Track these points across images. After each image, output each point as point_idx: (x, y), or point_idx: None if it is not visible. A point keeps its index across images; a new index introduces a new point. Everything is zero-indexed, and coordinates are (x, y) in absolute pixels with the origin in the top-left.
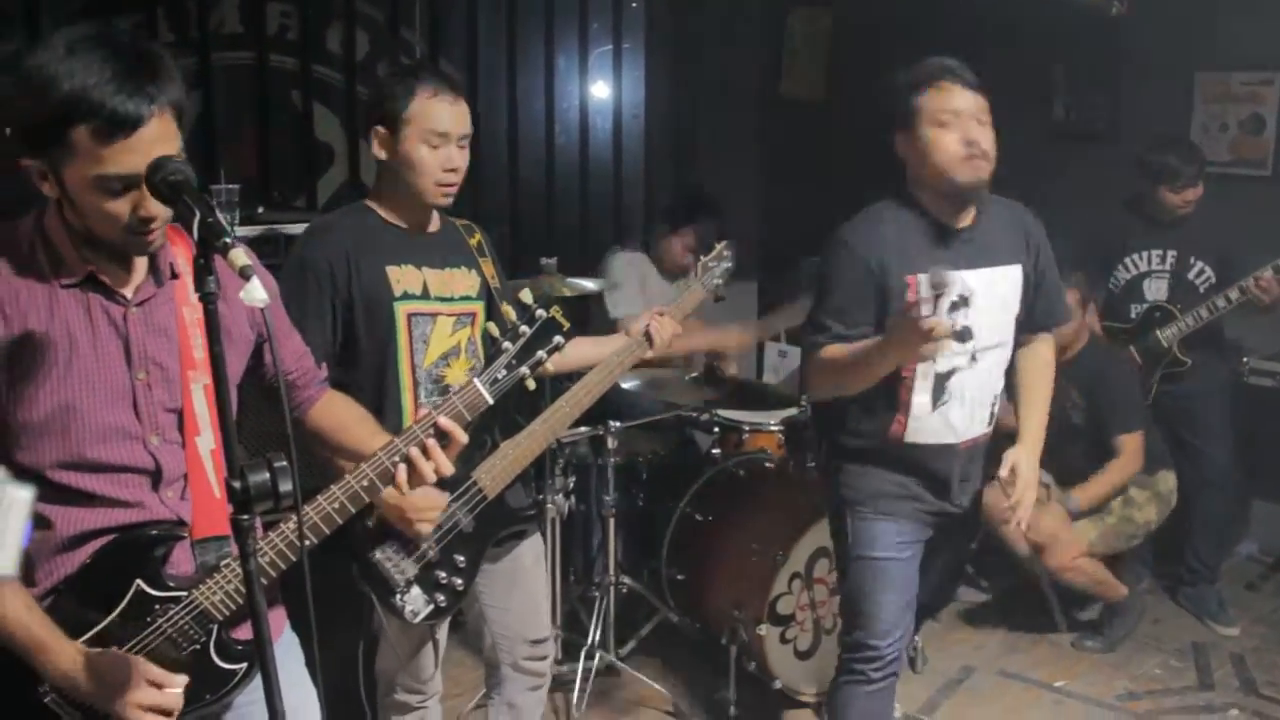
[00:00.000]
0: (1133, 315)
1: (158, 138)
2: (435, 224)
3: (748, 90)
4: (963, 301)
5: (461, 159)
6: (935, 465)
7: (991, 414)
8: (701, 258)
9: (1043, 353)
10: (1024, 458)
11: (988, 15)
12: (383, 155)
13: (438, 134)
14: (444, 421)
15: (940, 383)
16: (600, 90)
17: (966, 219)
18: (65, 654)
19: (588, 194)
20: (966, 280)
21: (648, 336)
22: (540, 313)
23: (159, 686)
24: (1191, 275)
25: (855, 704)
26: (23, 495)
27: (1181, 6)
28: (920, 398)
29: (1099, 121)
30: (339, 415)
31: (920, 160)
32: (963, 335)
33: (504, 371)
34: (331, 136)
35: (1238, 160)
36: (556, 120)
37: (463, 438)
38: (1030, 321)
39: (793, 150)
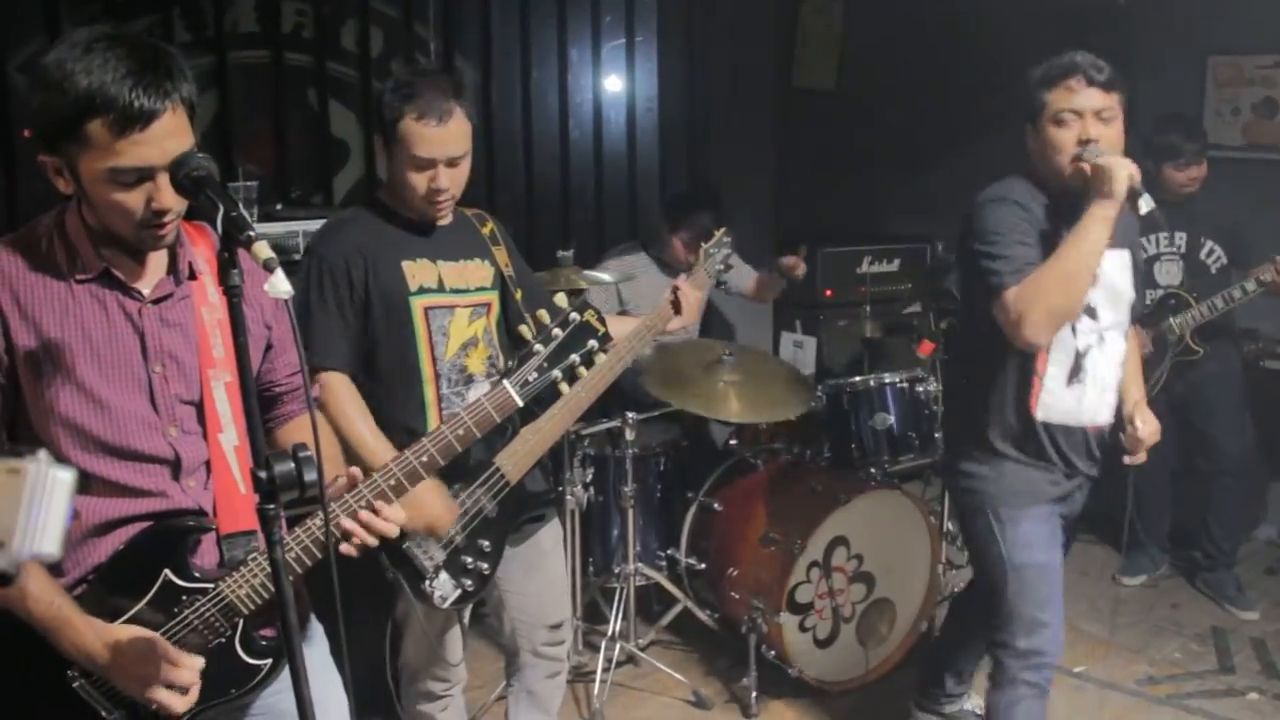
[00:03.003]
0: (1147, 301)
1: (171, 131)
2: (448, 216)
3: (761, 82)
4: (1093, 278)
5: (450, 178)
6: (1065, 446)
7: (1114, 403)
8: (703, 245)
9: (1134, 336)
10: (1142, 407)
11: (999, 5)
12: (380, 165)
13: (423, 159)
14: (368, 516)
15: (1078, 360)
16: (614, 83)
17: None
18: (87, 631)
19: (602, 187)
20: None
21: (675, 305)
22: (574, 316)
23: (175, 665)
24: (1203, 255)
25: (1034, 717)
26: (65, 477)
27: None
28: (1055, 370)
29: None
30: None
31: (1040, 156)
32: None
33: (535, 374)
34: (347, 133)
35: (1251, 144)
36: (570, 114)
37: (398, 517)
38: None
39: (806, 141)
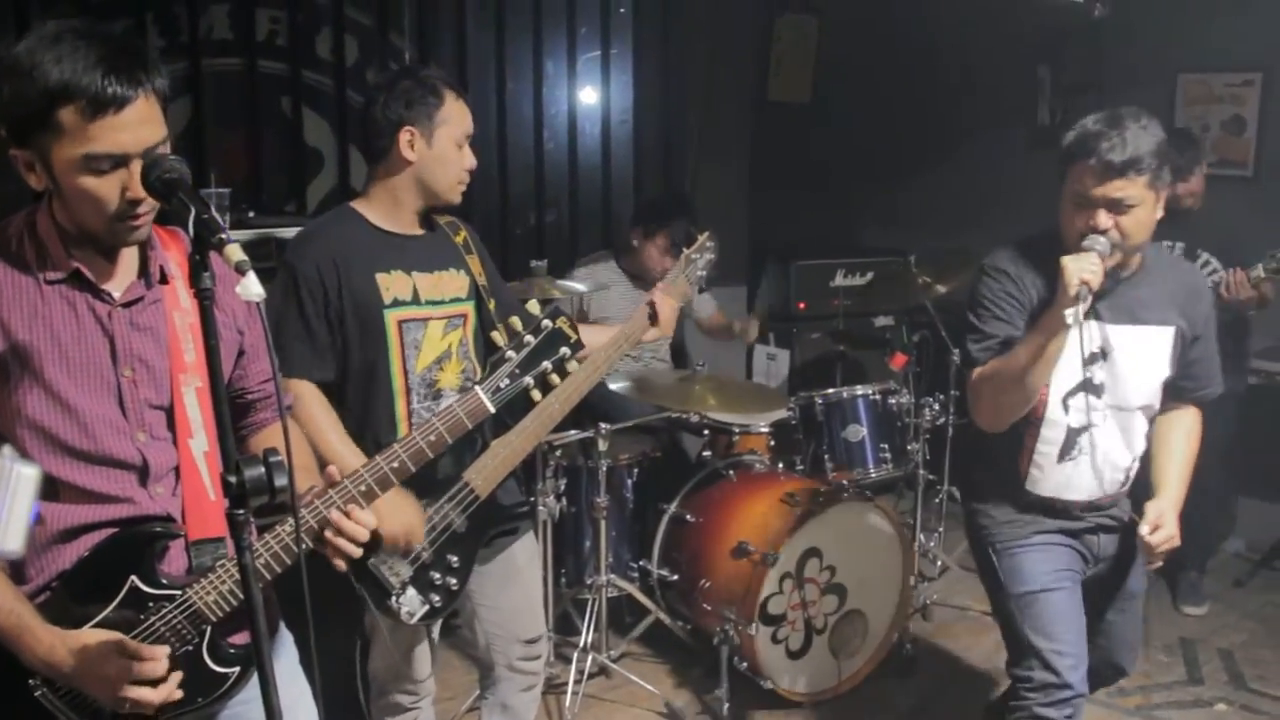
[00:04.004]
0: None
1: (144, 118)
2: (421, 226)
3: (736, 95)
4: (1101, 355)
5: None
6: (1055, 511)
7: (1126, 479)
8: (684, 250)
9: (1186, 420)
10: (1167, 511)
11: (973, 20)
12: (411, 156)
13: (466, 135)
14: (338, 516)
15: (1071, 437)
16: (588, 95)
17: (1122, 273)
18: (47, 637)
19: (577, 198)
20: (1107, 335)
21: (653, 315)
22: (546, 323)
23: (142, 659)
24: (1198, 265)
25: None
26: (29, 473)
27: (1164, 10)
28: (1045, 447)
29: None
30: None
31: (1061, 226)
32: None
33: (507, 380)
34: (321, 142)
35: (1220, 161)
36: (545, 125)
37: (368, 521)
38: (1177, 391)
39: (781, 154)
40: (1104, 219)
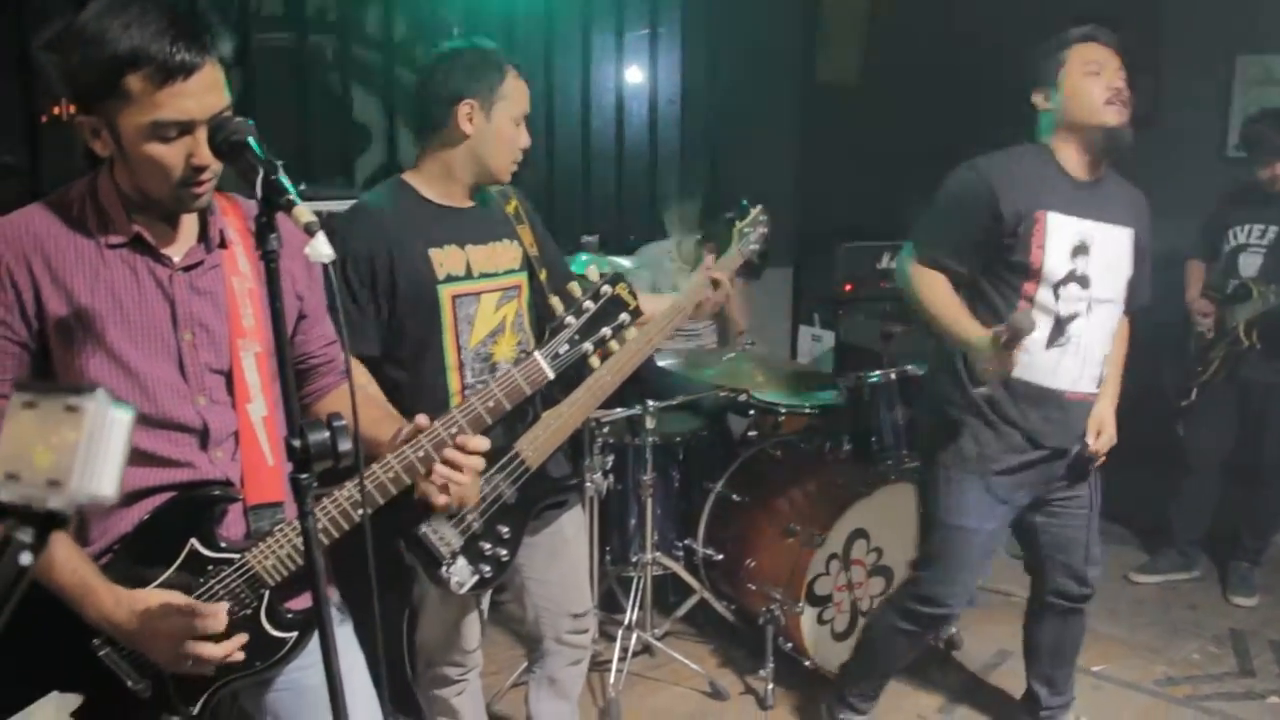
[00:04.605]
0: (1228, 290)
1: (210, 85)
2: (471, 198)
3: (783, 76)
4: (1082, 249)
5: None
6: (1038, 408)
7: (1100, 375)
8: (738, 223)
9: (1125, 329)
10: (1107, 416)
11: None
12: (469, 129)
13: (524, 114)
14: (457, 440)
15: (1060, 325)
16: (635, 75)
17: (1094, 174)
18: (110, 598)
19: (623, 177)
20: (1087, 230)
21: (714, 282)
22: (605, 289)
23: (201, 616)
24: None
25: (899, 642)
26: (124, 417)
27: None
28: (1037, 334)
29: (1142, 105)
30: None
31: (1067, 109)
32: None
33: (566, 346)
34: (369, 118)
35: None
36: (592, 104)
37: (483, 444)
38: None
39: (829, 136)
40: (1120, 79)
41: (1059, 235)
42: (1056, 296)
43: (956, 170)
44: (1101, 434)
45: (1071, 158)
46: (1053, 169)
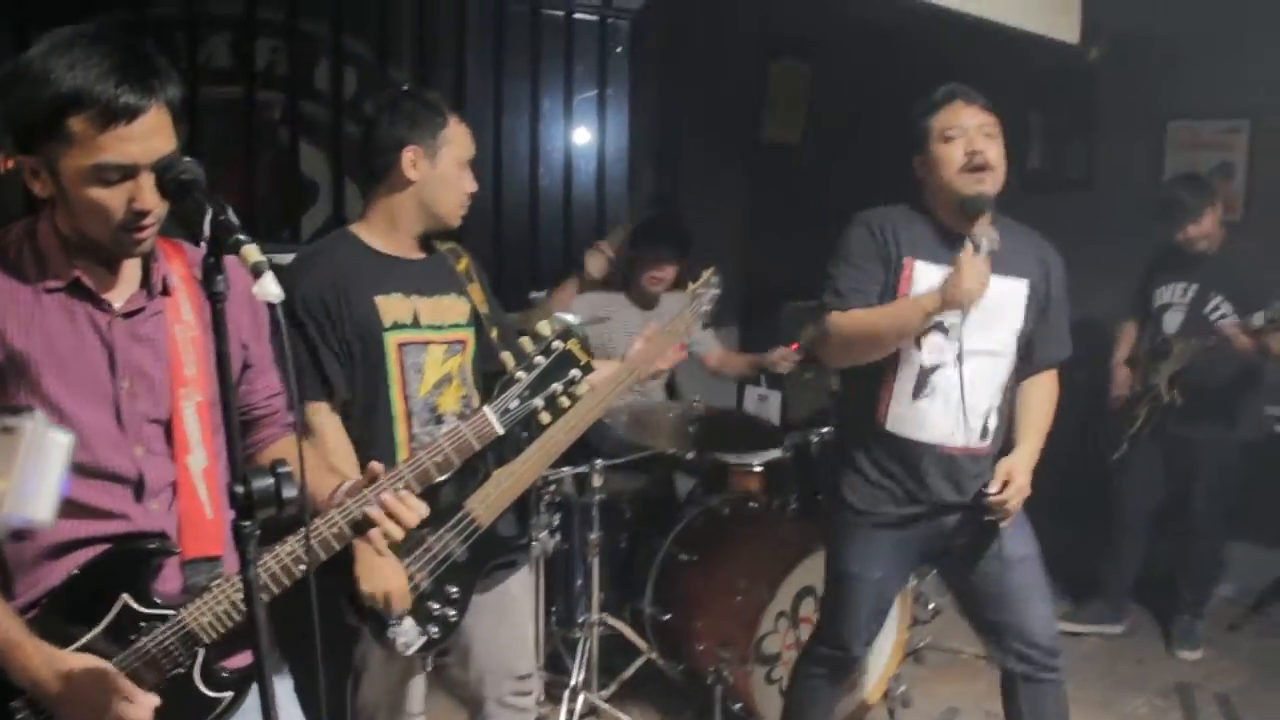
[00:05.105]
0: (1152, 347)
1: (155, 129)
2: (420, 251)
3: (731, 136)
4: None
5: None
6: (912, 462)
7: (984, 429)
8: (690, 285)
9: (1046, 383)
10: (1018, 466)
11: (964, 65)
12: (414, 176)
13: (468, 158)
14: (391, 499)
15: (924, 375)
16: (584, 134)
17: (968, 229)
18: (38, 655)
19: (571, 235)
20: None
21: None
22: (557, 344)
23: (130, 701)
24: (1207, 309)
25: (816, 688)
26: (63, 439)
27: (1153, 57)
28: (903, 385)
29: (1075, 170)
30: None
31: (931, 177)
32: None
33: (516, 402)
34: (317, 173)
35: None
36: (541, 161)
37: (421, 509)
38: (1031, 358)
39: (774, 195)
40: (982, 142)
41: (924, 284)
42: (918, 346)
43: (848, 226)
44: (1010, 483)
45: (949, 220)
46: (928, 220)
